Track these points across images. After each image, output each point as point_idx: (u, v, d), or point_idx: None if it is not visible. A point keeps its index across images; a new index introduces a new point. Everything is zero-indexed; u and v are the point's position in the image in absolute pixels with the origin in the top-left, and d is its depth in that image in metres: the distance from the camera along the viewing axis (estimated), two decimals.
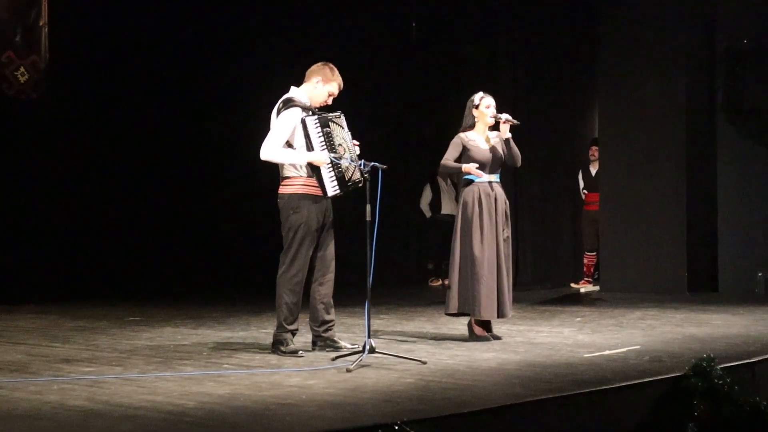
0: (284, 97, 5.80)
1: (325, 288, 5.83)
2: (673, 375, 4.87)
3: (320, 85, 5.79)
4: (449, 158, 6.32)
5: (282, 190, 5.76)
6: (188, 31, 10.15)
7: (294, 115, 5.68)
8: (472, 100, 6.38)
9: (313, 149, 5.65)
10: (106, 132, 9.76)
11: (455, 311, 6.31)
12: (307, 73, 5.84)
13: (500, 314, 6.26)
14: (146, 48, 9.90)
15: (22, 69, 9.17)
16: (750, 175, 9.61)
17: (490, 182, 6.32)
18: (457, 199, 10.88)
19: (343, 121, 5.81)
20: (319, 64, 5.86)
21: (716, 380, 4.76)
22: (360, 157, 5.73)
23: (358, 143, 5.84)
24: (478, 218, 6.24)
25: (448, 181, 11.32)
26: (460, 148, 6.32)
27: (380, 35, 11.31)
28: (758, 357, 5.39)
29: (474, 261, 6.19)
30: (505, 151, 6.36)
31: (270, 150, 5.67)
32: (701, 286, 9.54)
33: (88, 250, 9.58)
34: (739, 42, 9.44)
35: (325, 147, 5.65)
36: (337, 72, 5.83)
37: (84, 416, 4.09)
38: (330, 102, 5.85)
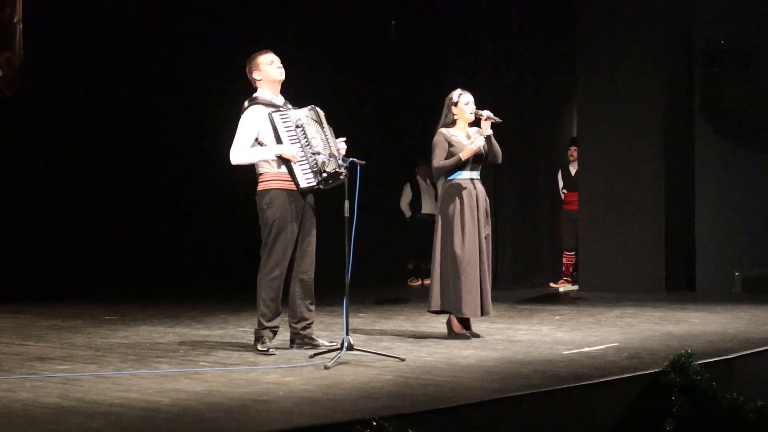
0: (252, 96, 5.75)
1: (305, 285, 5.77)
2: (651, 371, 4.87)
3: (259, 72, 5.65)
4: (440, 158, 6.25)
5: (258, 187, 5.72)
6: (165, 27, 10.06)
7: (255, 113, 5.62)
8: (451, 98, 6.36)
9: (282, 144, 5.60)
10: (82, 130, 9.68)
11: (437, 309, 6.28)
12: None
13: (483, 312, 6.24)
14: (122, 44, 9.82)
15: None
16: (728, 175, 9.64)
17: (471, 179, 6.29)
18: (436, 198, 10.87)
19: (316, 114, 5.72)
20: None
21: (694, 376, 4.76)
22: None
23: (344, 139, 5.79)
24: (460, 215, 6.21)
25: (428, 181, 11.30)
26: (446, 146, 6.27)
27: (359, 34, 11.28)
28: (735, 353, 5.40)
29: (456, 258, 6.16)
30: (486, 147, 6.35)
31: (238, 153, 5.62)
32: (679, 286, 9.56)
33: (64, 248, 9.48)
34: (717, 42, 9.48)
35: (296, 141, 5.60)
36: (259, 54, 5.70)
37: (56, 413, 4.04)
38: (281, 71, 5.67)
